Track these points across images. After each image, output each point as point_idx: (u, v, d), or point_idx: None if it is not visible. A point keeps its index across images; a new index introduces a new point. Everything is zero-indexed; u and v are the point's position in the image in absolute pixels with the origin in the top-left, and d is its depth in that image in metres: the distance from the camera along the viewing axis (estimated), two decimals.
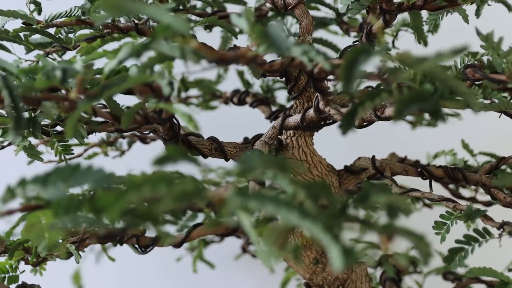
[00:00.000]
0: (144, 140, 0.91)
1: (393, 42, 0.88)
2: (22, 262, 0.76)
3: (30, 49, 0.76)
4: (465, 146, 0.86)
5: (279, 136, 0.70)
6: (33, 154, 0.65)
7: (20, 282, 0.73)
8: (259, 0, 0.82)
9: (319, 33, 0.97)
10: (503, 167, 0.74)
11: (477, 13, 0.67)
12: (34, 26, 0.68)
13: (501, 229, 0.58)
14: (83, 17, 0.66)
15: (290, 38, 0.39)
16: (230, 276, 1.27)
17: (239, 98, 0.89)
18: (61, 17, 0.64)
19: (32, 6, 0.68)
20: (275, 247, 0.36)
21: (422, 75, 0.41)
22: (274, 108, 0.86)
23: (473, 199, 0.87)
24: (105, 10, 0.38)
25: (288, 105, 0.93)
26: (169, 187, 0.34)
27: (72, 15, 0.64)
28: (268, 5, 0.82)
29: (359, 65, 0.35)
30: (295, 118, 0.65)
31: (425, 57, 0.38)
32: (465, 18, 0.67)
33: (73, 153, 0.65)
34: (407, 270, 0.87)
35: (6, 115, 0.62)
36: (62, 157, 0.64)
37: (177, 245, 0.73)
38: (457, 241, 0.59)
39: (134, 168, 0.99)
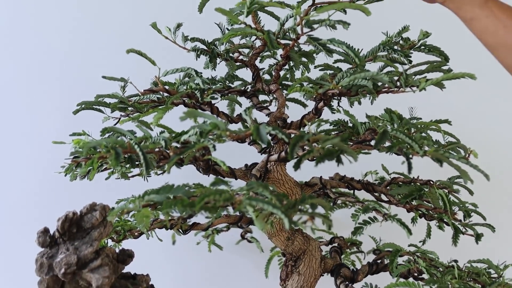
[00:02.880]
0: (179, 165, 1.40)
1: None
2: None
3: (113, 110, 1.24)
4: (384, 168, 1.34)
5: (267, 166, 1.19)
6: (124, 176, 1.14)
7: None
8: (253, 84, 1.29)
9: None
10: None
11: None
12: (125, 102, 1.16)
13: (383, 218, 1.08)
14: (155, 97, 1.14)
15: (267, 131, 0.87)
16: (233, 256, 1.76)
17: None
18: (142, 99, 1.12)
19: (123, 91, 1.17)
20: (263, 222, 0.84)
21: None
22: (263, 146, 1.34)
23: (389, 202, 1.35)
24: (185, 114, 0.86)
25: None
26: (220, 196, 0.82)
27: (148, 98, 1.13)
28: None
29: (297, 146, 0.84)
30: (274, 156, 1.13)
31: (328, 138, 0.87)
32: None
33: (150, 176, 1.14)
34: (346, 245, 1.36)
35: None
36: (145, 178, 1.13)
37: (205, 228, 1.22)
38: (359, 223, 1.08)
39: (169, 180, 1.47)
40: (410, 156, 0.96)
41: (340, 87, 0.99)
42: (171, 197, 0.89)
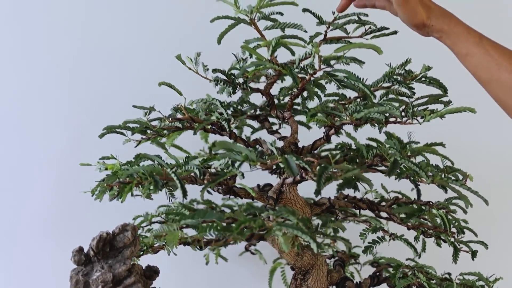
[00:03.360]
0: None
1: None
2: None
3: (134, 133, 1.32)
4: (383, 187, 1.44)
5: (281, 188, 1.28)
6: (148, 197, 1.22)
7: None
8: (266, 109, 1.39)
9: None
10: None
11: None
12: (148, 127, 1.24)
13: (390, 237, 1.18)
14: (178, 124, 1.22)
15: (294, 162, 0.96)
16: (237, 267, 1.85)
17: None
18: (168, 124, 1.20)
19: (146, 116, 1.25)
20: (289, 244, 0.93)
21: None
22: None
23: (391, 220, 1.44)
24: (217, 145, 0.95)
25: None
26: (254, 223, 0.91)
27: (173, 124, 1.21)
28: None
29: (323, 177, 0.93)
30: (289, 180, 1.23)
31: (350, 168, 0.97)
32: None
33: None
34: (348, 259, 1.46)
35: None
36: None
37: (221, 244, 1.31)
38: (369, 242, 1.18)
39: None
40: (418, 183, 1.07)
41: (354, 119, 1.08)
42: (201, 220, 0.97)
